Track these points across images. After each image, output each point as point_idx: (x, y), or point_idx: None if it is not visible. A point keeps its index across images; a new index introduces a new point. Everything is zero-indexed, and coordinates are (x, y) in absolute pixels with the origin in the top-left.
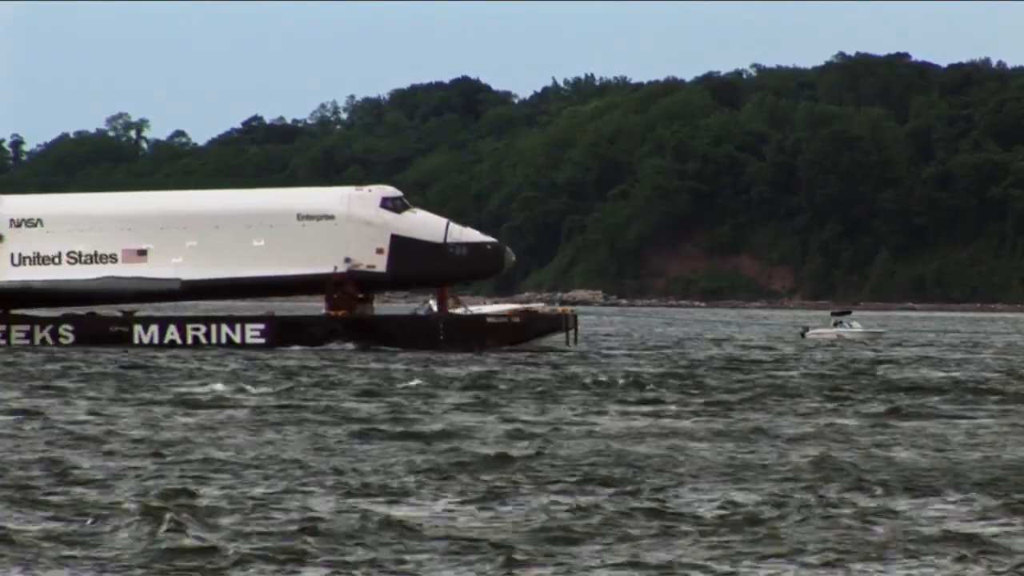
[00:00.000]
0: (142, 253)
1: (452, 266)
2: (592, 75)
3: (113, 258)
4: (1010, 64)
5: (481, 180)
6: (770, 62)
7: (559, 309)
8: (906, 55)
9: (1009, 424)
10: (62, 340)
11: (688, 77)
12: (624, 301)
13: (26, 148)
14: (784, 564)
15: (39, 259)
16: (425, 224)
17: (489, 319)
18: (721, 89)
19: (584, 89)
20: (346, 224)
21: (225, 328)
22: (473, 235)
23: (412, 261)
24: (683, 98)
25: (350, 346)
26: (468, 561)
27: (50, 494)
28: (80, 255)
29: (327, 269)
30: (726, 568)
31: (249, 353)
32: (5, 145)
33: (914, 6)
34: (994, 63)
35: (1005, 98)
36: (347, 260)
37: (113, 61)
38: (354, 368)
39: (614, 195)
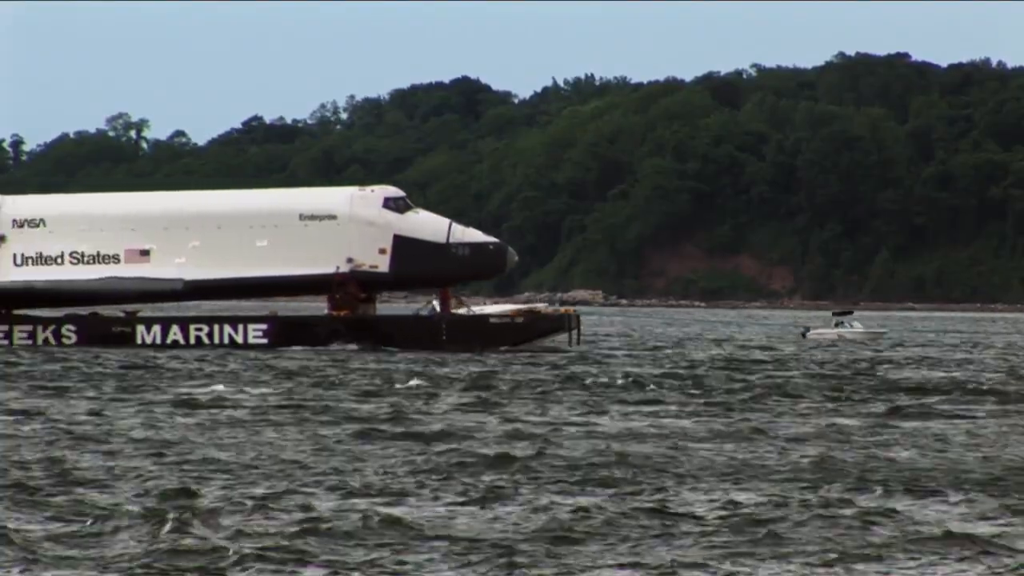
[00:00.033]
0: (145, 253)
1: (455, 266)
2: (592, 75)
3: (116, 258)
4: (1010, 64)
5: (481, 180)
6: (770, 62)
7: (562, 309)
8: (906, 55)
9: (1009, 424)
10: (65, 340)
11: (688, 77)
12: (624, 301)
13: (26, 148)
14: (784, 564)
15: (42, 259)
16: (428, 224)
17: (492, 319)
18: (721, 89)
19: (584, 89)
20: (349, 224)
21: (228, 328)
22: (476, 235)
23: (415, 261)
24: (683, 98)
25: (353, 346)
26: (468, 561)
27: (50, 495)
28: (83, 255)
29: (330, 269)
30: (726, 568)
31: (250, 353)
32: (5, 145)
33: (914, 6)
34: (994, 63)
35: (1005, 98)
36: (350, 260)
37: (113, 61)
38: (355, 368)
39: (614, 195)
